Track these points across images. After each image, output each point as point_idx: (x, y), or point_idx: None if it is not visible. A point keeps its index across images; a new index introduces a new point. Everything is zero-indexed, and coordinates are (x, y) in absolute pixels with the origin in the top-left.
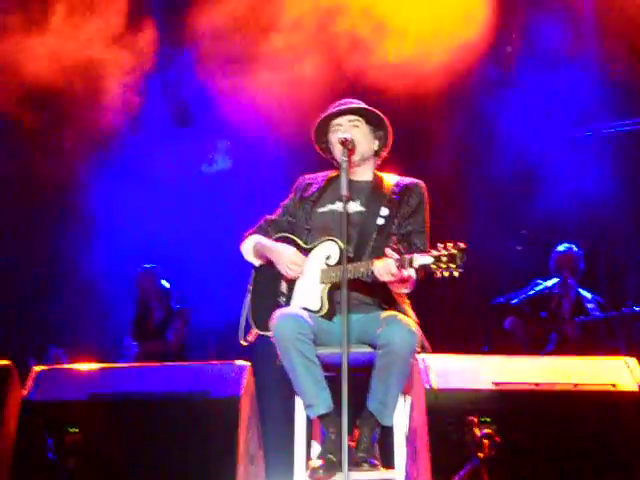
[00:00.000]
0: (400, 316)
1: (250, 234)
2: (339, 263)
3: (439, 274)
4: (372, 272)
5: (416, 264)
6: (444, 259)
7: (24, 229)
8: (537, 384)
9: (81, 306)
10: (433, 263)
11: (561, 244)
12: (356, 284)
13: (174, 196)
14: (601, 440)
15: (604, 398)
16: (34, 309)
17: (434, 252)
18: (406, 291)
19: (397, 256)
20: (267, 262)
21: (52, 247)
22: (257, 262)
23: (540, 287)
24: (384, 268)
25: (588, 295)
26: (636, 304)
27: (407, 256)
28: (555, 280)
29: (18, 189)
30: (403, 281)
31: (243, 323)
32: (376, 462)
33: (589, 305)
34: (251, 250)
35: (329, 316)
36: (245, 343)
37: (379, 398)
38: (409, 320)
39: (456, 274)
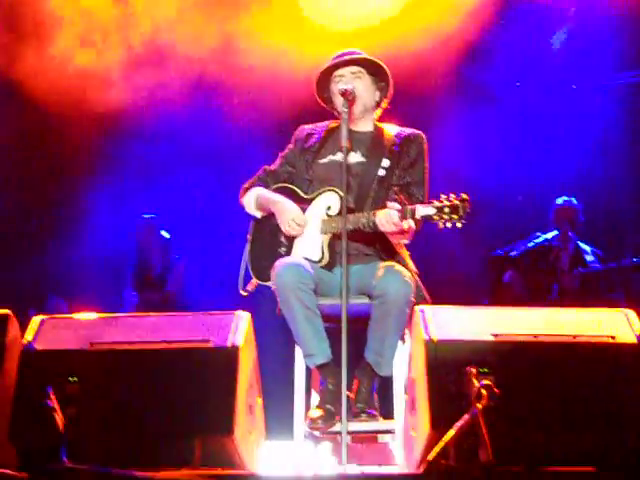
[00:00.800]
0: (396, 266)
1: (249, 185)
2: (340, 213)
3: (441, 225)
4: (373, 222)
5: (418, 215)
6: (446, 210)
7: (26, 176)
8: (536, 335)
9: (81, 255)
10: (435, 214)
11: (560, 197)
12: (356, 235)
13: (175, 148)
14: (600, 391)
15: (603, 349)
16: (34, 258)
17: (436, 203)
18: (405, 242)
19: (399, 206)
20: (269, 214)
21: (52, 196)
22: (259, 214)
23: (539, 240)
24: (386, 218)
25: (587, 248)
26: (635, 256)
27: (409, 207)
28: (554, 233)
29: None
30: (403, 232)
31: (242, 273)
32: (375, 412)
33: (588, 257)
34: (253, 202)
35: (329, 266)
36: (245, 293)
37: (376, 349)
38: (404, 270)
39: (459, 225)
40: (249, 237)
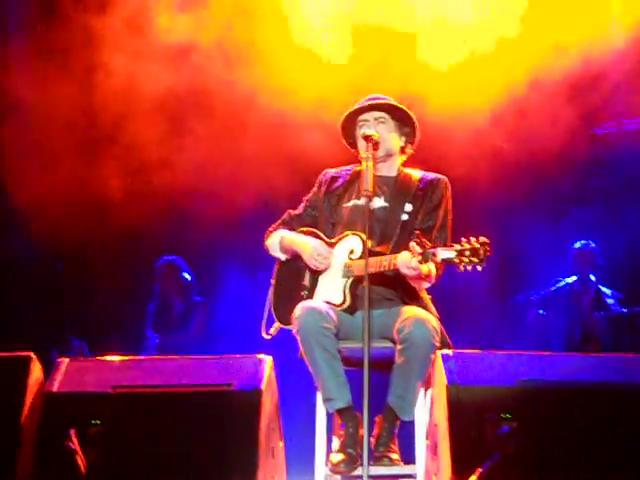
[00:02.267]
0: (421, 311)
1: (274, 229)
2: (362, 257)
3: (462, 268)
4: (394, 266)
5: (439, 258)
6: (467, 253)
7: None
8: (559, 381)
9: (103, 298)
10: (456, 257)
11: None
12: (378, 278)
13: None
14: (624, 440)
15: (631, 396)
16: (56, 301)
17: (457, 246)
18: (427, 286)
19: (420, 250)
20: (293, 256)
21: (74, 238)
22: (283, 256)
23: (560, 284)
24: (404, 262)
25: (608, 291)
26: None
27: (430, 250)
28: (575, 278)
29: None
30: (423, 277)
31: (266, 317)
32: (396, 457)
33: (609, 301)
34: (277, 244)
35: (351, 310)
36: (268, 337)
37: (399, 393)
38: (430, 316)
39: (479, 268)
40: (273, 281)
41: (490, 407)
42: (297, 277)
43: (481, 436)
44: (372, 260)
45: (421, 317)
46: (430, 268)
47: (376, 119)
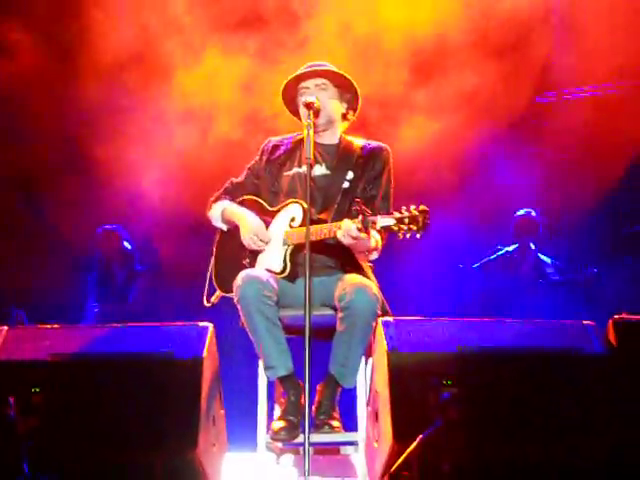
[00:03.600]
0: (362, 279)
1: (216, 198)
2: (303, 225)
3: (401, 236)
4: (335, 234)
5: (379, 225)
6: (406, 220)
7: None
8: (499, 347)
9: (42, 267)
10: (395, 224)
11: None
12: (319, 247)
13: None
14: (563, 402)
15: (566, 361)
16: None
17: (396, 214)
18: (373, 257)
19: (360, 218)
20: (234, 228)
21: (15, 205)
22: (225, 227)
23: (501, 252)
24: (346, 230)
25: (547, 259)
26: (593, 266)
27: (370, 218)
28: (515, 245)
29: None
30: (370, 248)
31: (207, 285)
32: (337, 424)
33: (548, 270)
34: (219, 216)
35: (292, 278)
36: (209, 305)
37: (340, 361)
38: (371, 283)
39: (418, 236)
40: (214, 249)
41: (431, 373)
42: (239, 245)
43: (422, 402)
44: (313, 228)
45: (362, 284)
46: (377, 239)
47: (317, 85)
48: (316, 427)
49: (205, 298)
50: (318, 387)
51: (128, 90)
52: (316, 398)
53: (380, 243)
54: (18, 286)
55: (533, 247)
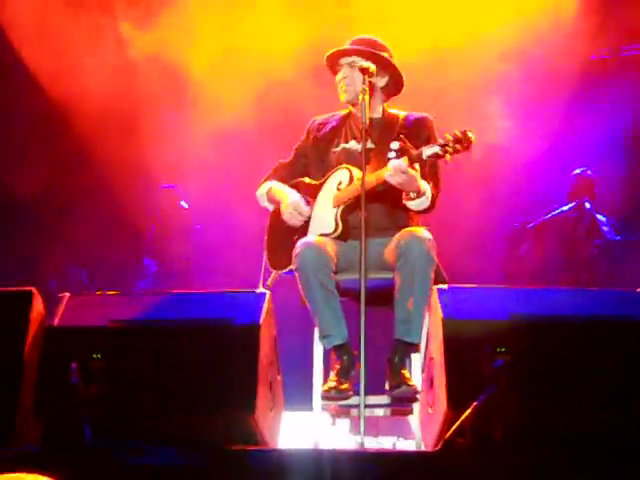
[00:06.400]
0: (416, 228)
1: (265, 179)
2: (350, 183)
3: (449, 157)
4: (382, 179)
5: (425, 155)
6: (450, 143)
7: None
8: (552, 315)
9: (102, 225)
10: (441, 150)
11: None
12: (371, 209)
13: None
14: (617, 372)
15: (620, 329)
16: (56, 227)
17: (440, 140)
18: (424, 205)
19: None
20: (278, 207)
21: (74, 165)
22: (271, 207)
23: (556, 212)
24: (395, 168)
25: (603, 219)
26: None
27: (415, 151)
28: (571, 204)
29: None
30: (418, 190)
31: (263, 270)
32: (412, 383)
33: (604, 228)
34: (265, 195)
35: (344, 237)
36: (266, 290)
37: (403, 316)
38: (425, 232)
39: (467, 152)
40: (267, 226)
41: (485, 341)
42: (288, 225)
43: (476, 370)
44: (359, 183)
45: (416, 232)
46: (426, 187)
47: (348, 64)
48: (391, 388)
49: (261, 283)
50: (387, 359)
51: None
52: (386, 367)
53: (429, 192)
54: (78, 243)
55: (588, 206)
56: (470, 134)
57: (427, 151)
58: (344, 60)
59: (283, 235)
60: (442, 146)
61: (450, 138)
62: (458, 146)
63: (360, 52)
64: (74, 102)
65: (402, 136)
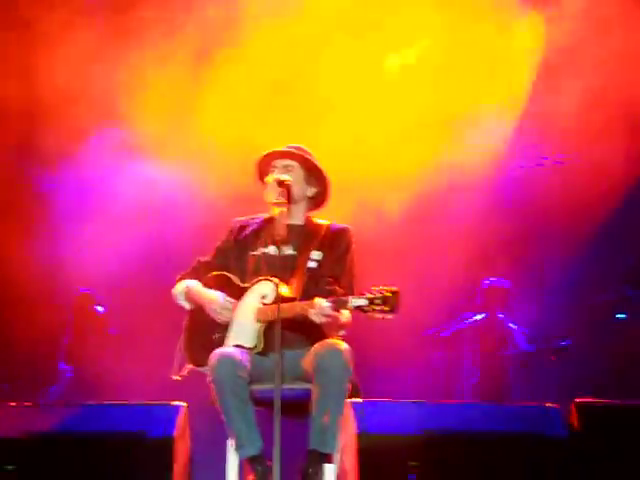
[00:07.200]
0: (333, 340)
1: (182, 277)
2: (275, 302)
3: (372, 316)
4: (307, 312)
5: (351, 305)
6: (378, 301)
7: None
8: (463, 430)
9: (14, 330)
10: (367, 305)
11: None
12: (291, 322)
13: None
14: None
15: (532, 444)
16: None
17: (368, 295)
18: (342, 334)
19: (332, 298)
20: (197, 306)
21: None
22: (188, 306)
23: (470, 320)
24: (319, 310)
25: (516, 328)
26: (563, 337)
27: (342, 298)
28: (483, 315)
29: None
30: (339, 325)
31: (177, 358)
32: None
33: (517, 339)
34: (182, 294)
35: (265, 352)
36: (178, 378)
37: (318, 427)
38: (341, 343)
39: (389, 317)
40: (185, 323)
41: (398, 455)
42: (210, 320)
43: None
44: (286, 306)
45: (333, 343)
46: (347, 316)
47: (284, 166)
48: None
49: (174, 370)
50: (300, 469)
51: None
52: (299, 478)
53: (349, 319)
54: None
55: (502, 317)
56: (398, 299)
57: (354, 302)
58: (280, 162)
59: (203, 331)
60: (369, 300)
61: (378, 295)
62: (385, 308)
63: (300, 157)
64: None
65: (331, 280)
